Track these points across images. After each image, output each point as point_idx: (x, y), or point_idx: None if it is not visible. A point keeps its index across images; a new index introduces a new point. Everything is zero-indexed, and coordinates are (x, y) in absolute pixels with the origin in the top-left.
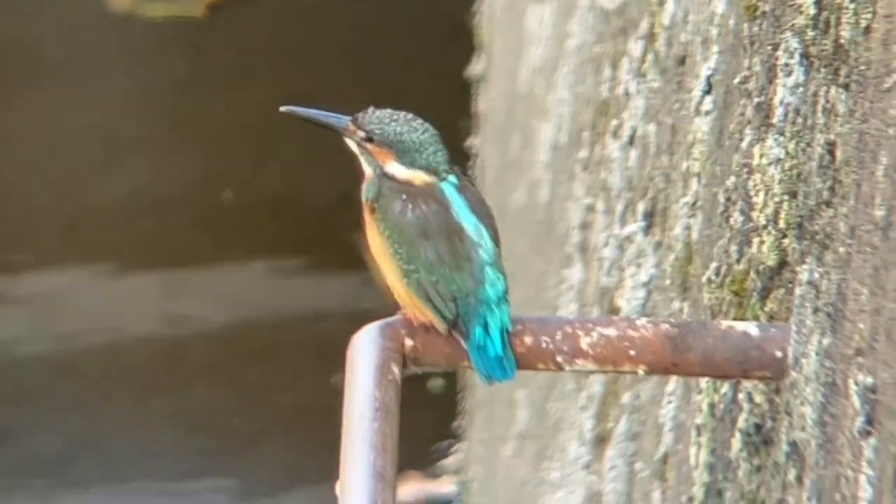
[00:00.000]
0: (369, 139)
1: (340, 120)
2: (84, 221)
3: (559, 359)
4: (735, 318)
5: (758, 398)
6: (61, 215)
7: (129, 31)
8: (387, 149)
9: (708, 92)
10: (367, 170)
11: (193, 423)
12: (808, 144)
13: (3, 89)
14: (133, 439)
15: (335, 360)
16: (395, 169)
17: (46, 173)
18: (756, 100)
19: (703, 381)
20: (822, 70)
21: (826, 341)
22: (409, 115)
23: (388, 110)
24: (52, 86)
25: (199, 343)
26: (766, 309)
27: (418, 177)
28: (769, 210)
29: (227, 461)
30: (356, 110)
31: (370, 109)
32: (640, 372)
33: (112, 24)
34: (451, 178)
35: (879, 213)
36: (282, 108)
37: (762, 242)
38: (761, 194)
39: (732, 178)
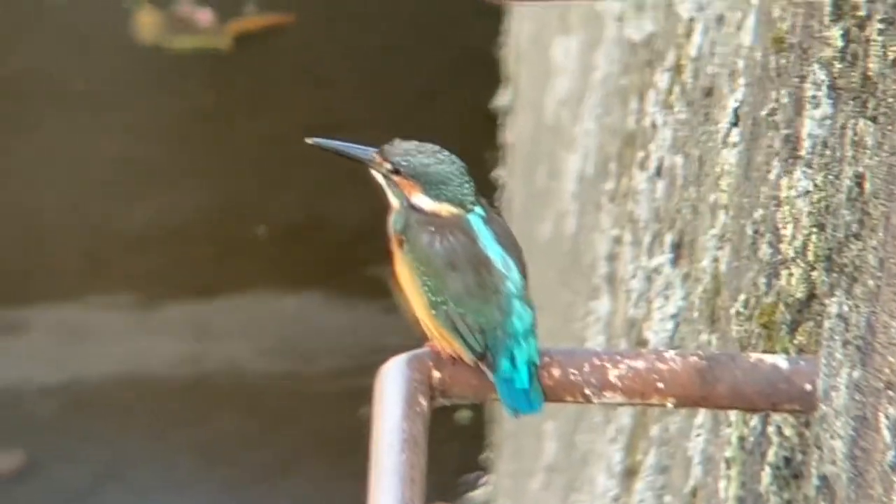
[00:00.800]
0: (396, 171)
1: (366, 152)
2: (105, 251)
3: (587, 391)
4: (764, 351)
5: (787, 431)
6: (82, 245)
7: (155, 62)
8: (413, 181)
9: (735, 124)
10: (394, 202)
11: (216, 455)
12: (837, 177)
13: (28, 117)
14: (155, 471)
15: (360, 391)
16: (422, 201)
17: (68, 202)
18: (784, 132)
19: (733, 414)
20: (850, 102)
21: (856, 374)
22: (436, 147)
23: (415, 142)
24: (76, 115)
25: (220, 374)
26: (795, 342)
27: (445, 209)
28: (798, 242)
29: (250, 493)
30: (381, 142)
31: (396, 141)
32: (669, 404)
33: (139, 54)
34: (478, 209)
35: None
36: (308, 140)
37: (791, 275)
38: (790, 226)
39: (760, 211)
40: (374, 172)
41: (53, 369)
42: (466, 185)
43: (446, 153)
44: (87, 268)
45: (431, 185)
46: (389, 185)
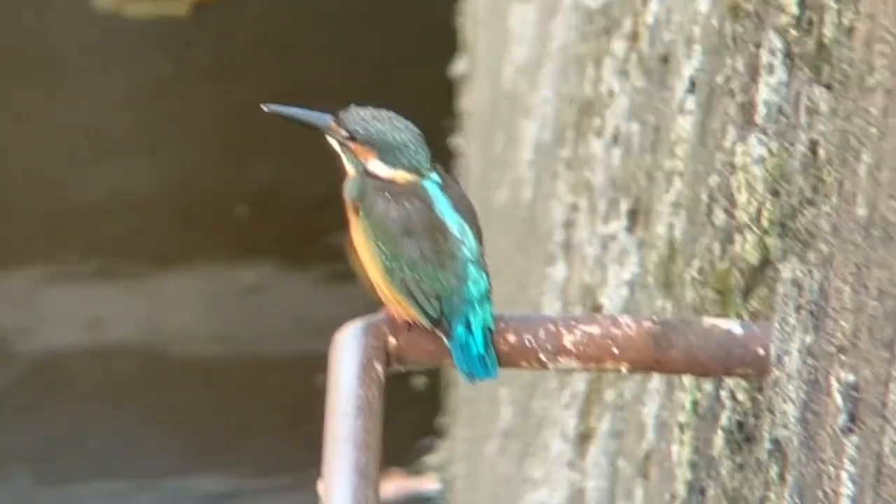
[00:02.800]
0: (352, 138)
1: (323, 118)
2: (65, 220)
3: (542, 357)
4: (718, 316)
5: (740, 396)
6: (42, 213)
7: (113, 30)
8: (369, 147)
9: (691, 91)
10: (350, 169)
11: (174, 422)
12: (791, 143)
13: None
14: (114, 437)
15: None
16: (378, 167)
17: (28, 171)
18: (739, 99)
19: (686, 379)
20: (805, 69)
21: (808, 339)
22: (392, 114)
23: (371, 109)
24: (35, 83)
25: (178, 343)
26: (749, 307)
27: (401, 175)
28: (752, 209)
29: (209, 459)
30: (339, 109)
31: (352, 108)
32: (624, 370)
33: (97, 22)
34: (434, 176)
35: (861, 211)
36: (264, 107)
37: (745, 241)
38: (744, 193)
39: (715, 177)
40: (330, 139)
41: (10, 336)
42: (422, 152)
43: (402, 120)
44: (47, 236)
45: (387, 152)
46: (345, 151)
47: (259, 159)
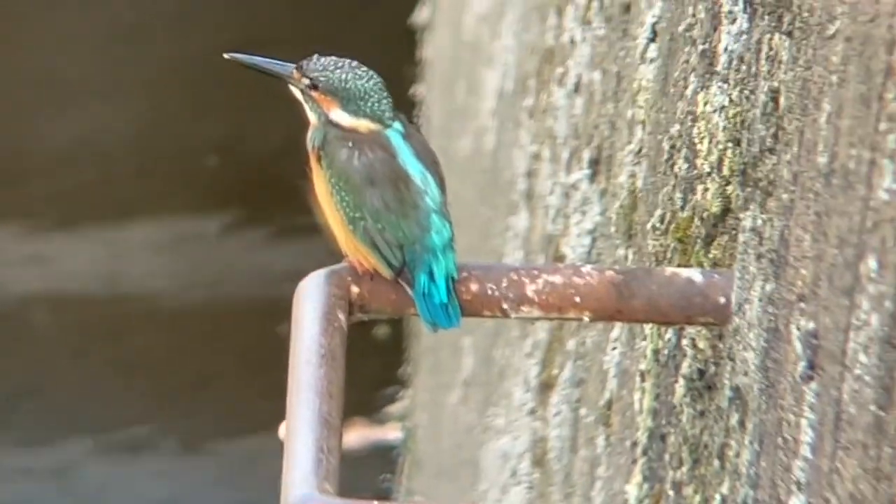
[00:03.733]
0: (314, 87)
1: (285, 67)
2: (26, 169)
3: (505, 306)
4: (679, 265)
5: (701, 344)
6: (2, 163)
7: None
8: (331, 96)
9: (653, 39)
10: (312, 118)
11: (136, 371)
12: (752, 92)
13: None
14: (75, 387)
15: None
16: (340, 117)
17: None
18: (700, 47)
19: (648, 328)
20: (766, 17)
21: (769, 287)
22: (354, 63)
23: (333, 58)
24: None
25: (140, 292)
26: (710, 256)
27: (363, 125)
28: (713, 157)
29: (170, 408)
30: (301, 57)
31: (315, 57)
32: (585, 318)
33: None
34: (397, 125)
35: (822, 160)
36: (226, 55)
37: (706, 190)
38: (705, 142)
39: (677, 126)
40: (292, 88)
41: None
42: (385, 101)
43: (364, 68)
44: (8, 186)
45: (350, 101)
46: (307, 100)
47: (221, 108)
